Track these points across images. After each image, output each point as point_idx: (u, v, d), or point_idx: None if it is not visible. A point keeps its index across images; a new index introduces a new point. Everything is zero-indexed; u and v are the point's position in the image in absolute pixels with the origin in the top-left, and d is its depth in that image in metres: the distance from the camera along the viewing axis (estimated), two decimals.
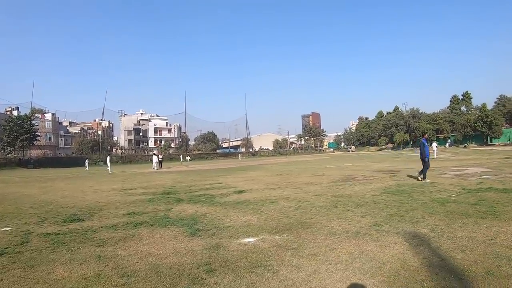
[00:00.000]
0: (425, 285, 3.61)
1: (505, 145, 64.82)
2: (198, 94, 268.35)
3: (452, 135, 78.81)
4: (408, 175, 15.37)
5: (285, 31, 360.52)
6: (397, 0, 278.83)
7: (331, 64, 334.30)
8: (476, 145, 70.74)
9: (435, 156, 33.32)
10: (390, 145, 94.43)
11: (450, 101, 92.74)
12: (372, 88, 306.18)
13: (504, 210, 7.06)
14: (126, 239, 5.81)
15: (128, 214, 8.30)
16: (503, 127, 75.48)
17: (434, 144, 36.97)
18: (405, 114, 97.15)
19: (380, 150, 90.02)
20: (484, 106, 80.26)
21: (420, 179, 12.88)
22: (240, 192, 12.09)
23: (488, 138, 73.93)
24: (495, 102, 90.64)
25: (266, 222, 6.77)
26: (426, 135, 15.62)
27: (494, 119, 72.44)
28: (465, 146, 70.42)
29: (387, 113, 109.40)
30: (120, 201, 10.92)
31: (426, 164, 13.14)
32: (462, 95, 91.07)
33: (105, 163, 40.35)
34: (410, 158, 34.65)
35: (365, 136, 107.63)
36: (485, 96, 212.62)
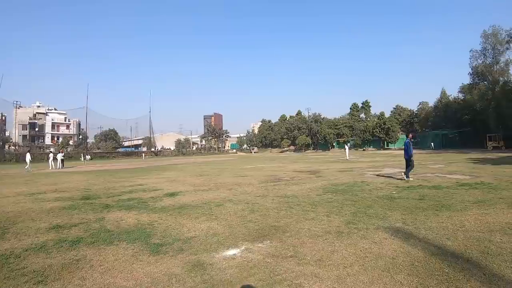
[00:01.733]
0: (446, 270, 4.09)
1: (400, 149, 74.71)
2: (101, 87, 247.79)
3: (352, 139, 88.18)
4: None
5: (191, 36, 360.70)
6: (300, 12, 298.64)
7: (234, 66, 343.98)
8: (374, 149, 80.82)
9: (347, 158, 36.53)
10: (292, 147, 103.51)
11: (350, 108, 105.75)
12: (276, 93, 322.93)
13: (451, 203, 8.43)
14: (71, 266, 4.73)
15: (53, 227, 7.04)
16: (399, 134, 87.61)
17: (346, 147, 40.56)
18: (307, 118, 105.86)
19: (282, 152, 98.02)
20: (382, 114, 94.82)
21: (408, 179, 13.97)
22: (173, 195, 11.66)
23: (385, 142, 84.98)
24: (391, 111, 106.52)
25: (232, 228, 6.59)
26: (411, 135, 16.90)
27: (391, 126, 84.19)
28: (364, 150, 79.66)
29: (290, 116, 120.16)
30: (34, 209, 9.31)
31: (411, 164, 14.52)
32: (362, 104, 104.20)
33: (25, 160, 35.43)
34: (318, 160, 38.31)
35: (268, 138, 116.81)
36: (382, 105, 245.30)
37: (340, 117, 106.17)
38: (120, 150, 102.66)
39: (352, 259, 4.69)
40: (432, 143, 67.66)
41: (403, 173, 14.60)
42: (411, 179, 13.92)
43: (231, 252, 5.14)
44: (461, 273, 4.06)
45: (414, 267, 4.28)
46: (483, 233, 5.71)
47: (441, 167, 20.26)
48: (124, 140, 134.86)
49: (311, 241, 5.55)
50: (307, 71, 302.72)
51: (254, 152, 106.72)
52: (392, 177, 15.17)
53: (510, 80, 58.42)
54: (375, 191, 10.90)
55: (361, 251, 5.01)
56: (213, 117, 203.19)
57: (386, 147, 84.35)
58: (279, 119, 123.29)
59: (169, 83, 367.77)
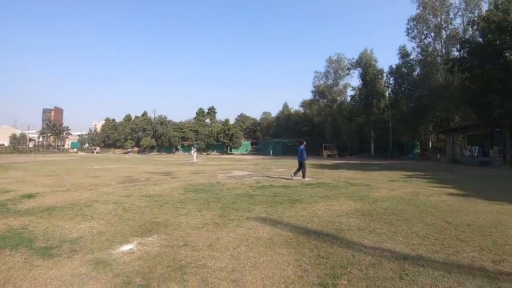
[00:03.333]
0: (313, 242, 5.47)
1: (242, 154, 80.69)
2: None
3: (197, 143, 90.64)
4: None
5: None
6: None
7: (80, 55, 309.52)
8: (217, 153, 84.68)
9: (195, 161, 37.59)
10: (136, 148, 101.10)
11: (197, 113, 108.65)
12: (122, 91, 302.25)
13: (302, 198, 10.32)
14: None
15: None
16: (242, 140, 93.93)
17: (194, 150, 41.63)
18: (153, 120, 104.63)
19: (126, 153, 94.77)
20: (227, 120, 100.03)
21: (294, 179, 16.22)
22: (31, 196, 10.70)
23: (229, 148, 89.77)
24: (236, 119, 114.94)
25: (115, 227, 6.72)
26: (305, 142, 19.11)
27: (235, 132, 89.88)
28: (208, 154, 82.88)
29: (135, 117, 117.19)
30: None
31: (303, 166, 16.96)
32: (208, 109, 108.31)
33: None
34: (166, 162, 38.86)
35: (111, 138, 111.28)
36: (228, 112, 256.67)
37: (186, 121, 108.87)
38: None
39: (237, 242, 5.60)
40: (271, 150, 75.55)
41: (292, 174, 17.04)
42: (307, 179, 16.25)
43: (126, 247, 5.39)
44: (325, 243, 5.47)
45: (288, 243, 5.50)
46: (333, 217, 7.46)
47: (285, 170, 23.12)
48: None
49: (195, 232, 6.24)
50: (155, 73, 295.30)
51: (96, 152, 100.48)
52: (244, 179, 16.86)
53: (346, 100, 69.74)
54: (233, 190, 12.20)
55: (241, 236, 5.98)
56: (53, 111, 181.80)
57: (229, 152, 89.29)
58: (124, 119, 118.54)
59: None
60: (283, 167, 26.57)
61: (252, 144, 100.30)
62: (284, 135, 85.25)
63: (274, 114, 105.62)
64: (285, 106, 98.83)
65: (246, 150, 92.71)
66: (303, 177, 16.71)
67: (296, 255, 4.89)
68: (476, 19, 33.12)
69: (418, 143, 55.08)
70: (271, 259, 4.74)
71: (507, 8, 27.12)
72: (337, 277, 4.05)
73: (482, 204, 9.24)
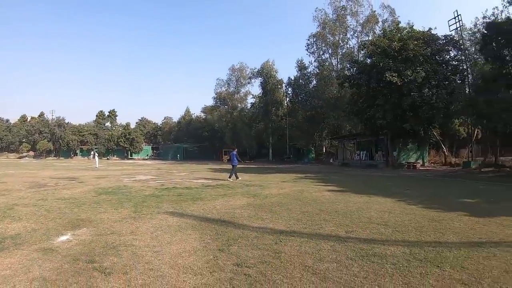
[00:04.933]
0: (214, 226, 7.13)
1: (143, 159, 79.57)
2: None
3: (96, 147, 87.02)
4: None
5: None
6: None
7: None
8: (118, 158, 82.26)
9: (97, 166, 36.91)
10: (32, 153, 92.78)
11: (97, 116, 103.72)
12: (15, 86, 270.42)
13: (203, 196, 12.09)
14: None
15: None
16: (143, 145, 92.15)
17: (96, 155, 40.73)
18: (51, 122, 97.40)
19: (21, 157, 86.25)
20: (128, 124, 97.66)
21: (231, 180, 18.73)
22: None
23: (130, 152, 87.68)
24: (136, 123, 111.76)
25: (45, 224, 7.41)
26: (236, 149, 22.13)
27: (136, 136, 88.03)
28: (108, 159, 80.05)
29: (31, 118, 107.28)
30: None
31: (234, 169, 19.77)
32: (108, 112, 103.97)
33: None
34: (67, 167, 36.58)
35: (5, 140, 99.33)
36: (129, 116, 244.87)
37: (86, 123, 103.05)
38: None
39: (153, 229, 7.02)
40: (178, 155, 76.05)
41: (228, 177, 19.46)
42: (239, 179, 19.02)
43: (63, 238, 6.32)
44: (222, 226, 7.21)
45: (193, 227, 7.12)
46: (229, 209, 9.31)
47: (187, 174, 24.68)
48: None
49: (117, 224, 7.44)
50: (52, 72, 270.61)
51: None
52: (149, 182, 17.95)
53: (246, 107, 72.78)
54: (141, 192, 13.41)
55: (155, 224, 7.42)
56: None
57: (130, 157, 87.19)
58: (18, 120, 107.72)
59: None
60: (184, 171, 27.90)
61: (153, 149, 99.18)
62: (185, 140, 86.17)
63: (175, 119, 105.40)
64: (187, 111, 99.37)
65: (147, 155, 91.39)
66: (236, 177, 19.22)
67: (200, 234, 6.48)
68: (366, 42, 37.19)
69: (313, 148, 58.83)
70: (182, 238, 6.26)
71: (392, 36, 31.69)
72: (231, 245, 5.72)
73: (355, 197, 11.85)
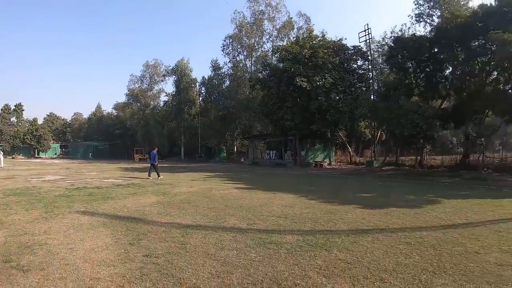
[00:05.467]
0: (126, 224, 7.43)
1: (51, 158, 74.19)
2: None
3: (1, 145, 79.34)
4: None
5: None
6: None
7: None
8: (24, 157, 75.38)
9: (2, 165, 34.11)
10: None
11: (1, 109, 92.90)
12: None
13: (114, 196, 12.23)
14: None
15: None
16: (51, 142, 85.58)
17: (1, 152, 37.49)
18: None
19: None
20: (35, 120, 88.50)
21: (151, 178, 19.37)
22: None
23: (37, 151, 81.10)
24: (44, 118, 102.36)
25: None
26: (157, 148, 22.40)
27: (43, 133, 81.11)
28: (13, 157, 73.23)
29: None
30: None
31: (155, 168, 20.41)
32: (15, 106, 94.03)
33: None
34: None
35: None
36: (36, 111, 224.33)
37: None
38: None
39: (65, 227, 7.12)
40: (90, 154, 71.76)
41: (147, 175, 20.06)
42: (161, 177, 19.84)
43: None
44: (132, 223, 7.62)
45: (105, 225, 7.39)
46: (139, 207, 9.67)
47: (97, 174, 23.97)
48: None
49: (30, 225, 7.35)
50: None
51: None
52: (58, 182, 17.41)
53: (159, 105, 71.18)
54: (51, 192, 12.95)
55: (68, 224, 7.50)
56: None
57: (37, 155, 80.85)
58: None
59: None
60: (95, 171, 26.99)
61: (61, 147, 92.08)
62: (96, 138, 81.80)
63: (86, 115, 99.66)
64: (98, 107, 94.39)
65: (55, 154, 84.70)
66: (158, 176, 19.94)
67: (112, 231, 6.77)
68: (279, 47, 38.37)
69: (224, 147, 59.60)
70: (94, 235, 6.50)
71: (303, 44, 33.67)
72: (140, 239, 6.14)
73: (260, 194, 12.79)
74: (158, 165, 21.42)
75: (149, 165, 20.60)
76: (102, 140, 79.04)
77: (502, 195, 12.76)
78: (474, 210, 9.34)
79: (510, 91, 22.54)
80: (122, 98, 77.92)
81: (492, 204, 10.25)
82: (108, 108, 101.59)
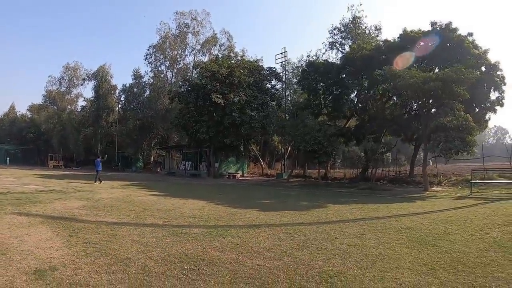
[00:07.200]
0: (66, 222, 8.33)
1: None
2: None
3: None
4: None
5: None
6: None
7: None
8: None
9: None
10: None
11: None
12: None
13: (41, 200, 12.97)
14: None
15: None
16: None
17: None
18: None
19: None
20: None
21: (96, 184, 21.95)
22: None
23: None
24: None
25: None
26: (100, 157, 25.30)
27: None
28: None
29: None
30: None
31: (98, 174, 23.37)
32: None
33: None
34: None
35: None
36: None
37: None
38: None
39: (8, 226, 8.05)
40: (8, 158, 63.57)
41: (94, 180, 22.77)
42: (102, 182, 22.62)
43: None
44: (66, 221, 8.83)
45: (43, 223, 8.50)
46: (68, 210, 10.70)
47: (14, 180, 23.46)
48: None
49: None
50: None
51: None
52: None
53: (76, 110, 68.41)
54: None
55: (8, 223, 8.40)
56: None
57: None
58: None
59: None
60: (11, 177, 25.92)
61: None
62: (8, 141, 74.12)
63: None
64: (12, 107, 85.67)
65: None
66: (99, 181, 22.59)
67: (51, 227, 7.93)
68: (200, 64, 40.15)
69: (141, 157, 58.65)
70: (36, 230, 7.62)
71: (222, 62, 35.55)
72: (77, 233, 7.45)
73: (174, 200, 14.43)
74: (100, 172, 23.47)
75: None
76: (14, 144, 72.18)
77: (382, 201, 15.45)
78: (351, 212, 11.71)
79: (405, 115, 26.17)
80: (38, 100, 73.31)
81: (369, 208, 12.74)
82: (22, 109, 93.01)
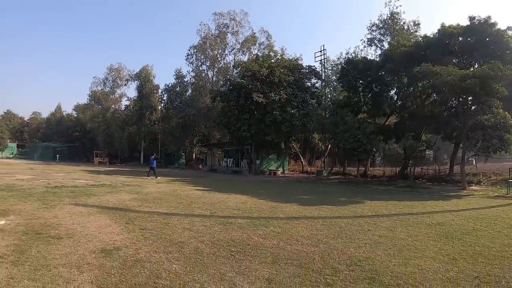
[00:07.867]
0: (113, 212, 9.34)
1: (7, 158, 71.07)
2: None
3: None
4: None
5: None
6: None
7: None
8: None
9: None
10: None
11: None
12: None
13: (94, 193, 14.12)
14: None
15: None
16: (8, 141, 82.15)
17: None
18: None
19: None
20: None
21: (149, 178, 24.31)
22: None
23: None
24: (1, 116, 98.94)
25: None
26: (155, 154, 26.73)
27: (0, 131, 77.44)
28: None
29: None
30: None
31: (154, 170, 25.88)
32: None
33: None
34: None
35: None
36: None
37: None
38: None
39: (69, 214, 8.89)
40: (58, 156, 68.07)
41: (147, 175, 25.52)
42: (158, 178, 24.65)
43: (1, 222, 7.70)
44: (121, 211, 9.63)
45: (100, 212, 9.31)
46: (120, 201, 11.66)
47: (64, 175, 25.00)
48: None
49: (37, 212, 9.04)
50: None
51: None
52: (33, 181, 18.64)
53: (120, 109, 70.80)
54: (35, 189, 14.38)
55: (69, 212, 9.30)
56: None
57: None
58: None
59: None
60: (61, 173, 27.61)
61: (18, 146, 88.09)
62: (55, 139, 79.33)
63: (45, 115, 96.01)
64: (58, 107, 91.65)
65: (12, 153, 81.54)
66: (155, 177, 24.70)
67: (108, 216, 8.69)
68: (241, 63, 41.01)
69: (183, 154, 60.19)
70: (95, 218, 8.38)
71: (262, 62, 36.04)
72: (133, 221, 8.13)
73: (218, 194, 15.14)
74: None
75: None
76: (61, 141, 76.86)
77: (418, 198, 15.41)
78: (387, 208, 11.97)
79: (445, 112, 25.37)
80: (84, 100, 76.63)
81: (404, 204, 12.91)
82: (68, 109, 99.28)
